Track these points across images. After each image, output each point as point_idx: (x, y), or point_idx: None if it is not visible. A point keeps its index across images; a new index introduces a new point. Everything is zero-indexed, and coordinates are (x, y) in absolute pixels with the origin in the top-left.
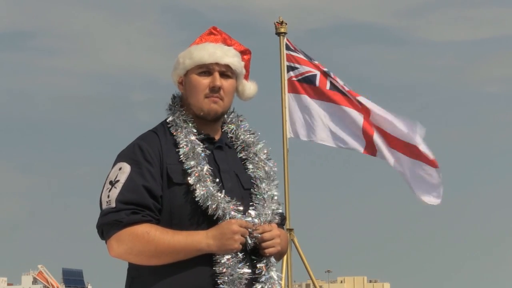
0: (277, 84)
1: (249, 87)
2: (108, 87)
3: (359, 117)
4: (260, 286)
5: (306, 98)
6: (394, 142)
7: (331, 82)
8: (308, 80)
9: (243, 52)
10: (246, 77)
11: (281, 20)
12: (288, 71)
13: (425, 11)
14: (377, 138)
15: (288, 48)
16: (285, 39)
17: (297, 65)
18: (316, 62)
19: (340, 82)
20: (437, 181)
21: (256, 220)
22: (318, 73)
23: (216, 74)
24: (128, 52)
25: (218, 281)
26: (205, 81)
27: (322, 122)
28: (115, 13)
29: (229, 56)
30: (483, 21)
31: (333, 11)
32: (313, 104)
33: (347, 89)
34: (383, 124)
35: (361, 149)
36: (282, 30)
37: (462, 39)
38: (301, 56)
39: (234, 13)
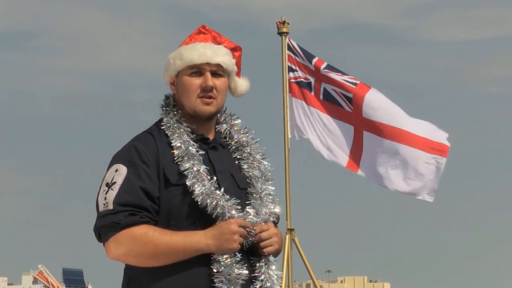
0: (279, 84)
1: (241, 84)
2: (109, 87)
3: (350, 130)
4: (259, 285)
5: (301, 102)
6: (393, 133)
7: (325, 89)
8: (304, 86)
9: (233, 49)
10: (238, 74)
11: (283, 20)
12: (288, 72)
13: (426, 11)
14: (367, 149)
15: (289, 48)
16: (287, 39)
17: (296, 68)
18: (315, 60)
19: (337, 79)
20: (434, 175)
21: (254, 219)
22: (313, 80)
23: (208, 74)
24: (129, 52)
25: (215, 280)
26: (196, 81)
27: (313, 128)
28: (116, 13)
29: (220, 55)
30: (484, 21)
31: (335, 11)
32: (306, 109)
33: (357, 81)
34: (381, 114)
35: (344, 163)
36: (284, 30)
37: (463, 39)
38: (300, 60)
39: (235, 13)
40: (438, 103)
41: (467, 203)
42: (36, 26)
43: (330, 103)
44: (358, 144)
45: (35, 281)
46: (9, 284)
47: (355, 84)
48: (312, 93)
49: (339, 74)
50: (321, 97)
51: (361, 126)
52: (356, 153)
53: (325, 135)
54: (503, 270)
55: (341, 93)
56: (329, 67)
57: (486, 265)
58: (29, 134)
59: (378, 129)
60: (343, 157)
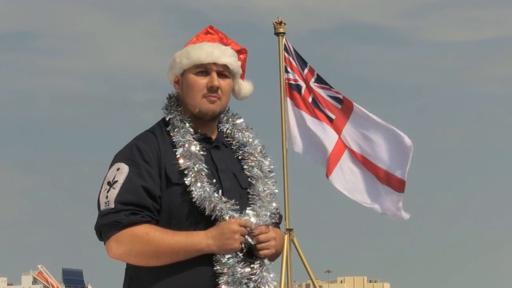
0: (277, 84)
1: (245, 86)
2: (110, 87)
3: (334, 138)
4: (252, 285)
5: (291, 104)
6: (365, 162)
7: (313, 97)
8: (295, 88)
9: (239, 52)
10: (242, 76)
11: (280, 20)
12: (284, 72)
13: (427, 11)
14: (345, 159)
15: (285, 49)
16: (284, 40)
17: (289, 70)
18: (307, 69)
19: (324, 95)
20: (395, 207)
21: (254, 220)
22: (304, 85)
23: (214, 74)
24: (130, 52)
25: (219, 281)
26: (202, 81)
27: (299, 132)
28: (118, 13)
29: (227, 56)
30: (485, 21)
31: (336, 11)
32: (295, 112)
33: (341, 96)
34: (362, 138)
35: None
36: (281, 30)
37: (464, 40)
38: (293, 63)
39: (237, 13)
40: (440, 103)
41: (467, 203)
42: (37, 26)
43: (316, 110)
44: (337, 154)
45: (34, 281)
46: (8, 284)
47: (340, 102)
48: (302, 95)
49: (327, 87)
50: (310, 99)
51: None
52: (332, 161)
53: (312, 139)
54: (503, 270)
55: (322, 109)
56: (319, 79)
57: (486, 265)
58: (29, 134)
59: (354, 155)
60: (325, 162)
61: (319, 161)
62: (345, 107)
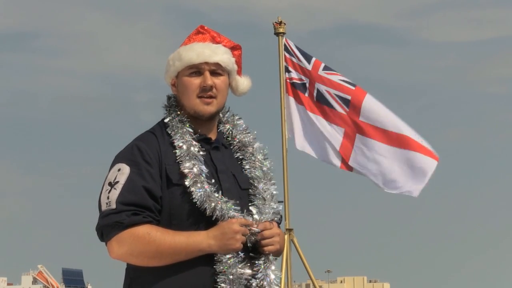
0: (277, 84)
1: (242, 82)
2: (111, 88)
3: (340, 132)
4: (255, 283)
5: (294, 102)
6: (389, 137)
7: (318, 90)
8: (298, 87)
9: (233, 48)
10: (239, 72)
11: (279, 20)
12: (285, 72)
13: (427, 12)
14: (356, 155)
15: (285, 49)
16: (284, 40)
17: (291, 69)
18: (313, 62)
19: (335, 79)
20: (427, 171)
21: (257, 217)
22: (307, 81)
23: (207, 73)
24: (131, 52)
25: (218, 280)
26: (196, 81)
27: (303, 129)
28: (118, 13)
29: (218, 54)
30: (485, 22)
31: (336, 12)
32: (299, 110)
33: (352, 88)
34: (378, 119)
35: (338, 163)
36: (281, 30)
37: (465, 40)
38: (295, 61)
39: (237, 14)
40: (440, 103)
41: (467, 203)
42: (37, 26)
43: (321, 104)
44: (348, 146)
45: (34, 281)
46: (8, 284)
47: (353, 85)
48: (306, 95)
49: (338, 74)
50: (315, 98)
51: (354, 128)
52: (345, 154)
53: (317, 136)
54: (503, 270)
55: (335, 94)
56: (327, 68)
57: (486, 264)
58: (29, 134)
59: (373, 133)
60: (336, 158)
61: (325, 158)
62: (358, 88)
